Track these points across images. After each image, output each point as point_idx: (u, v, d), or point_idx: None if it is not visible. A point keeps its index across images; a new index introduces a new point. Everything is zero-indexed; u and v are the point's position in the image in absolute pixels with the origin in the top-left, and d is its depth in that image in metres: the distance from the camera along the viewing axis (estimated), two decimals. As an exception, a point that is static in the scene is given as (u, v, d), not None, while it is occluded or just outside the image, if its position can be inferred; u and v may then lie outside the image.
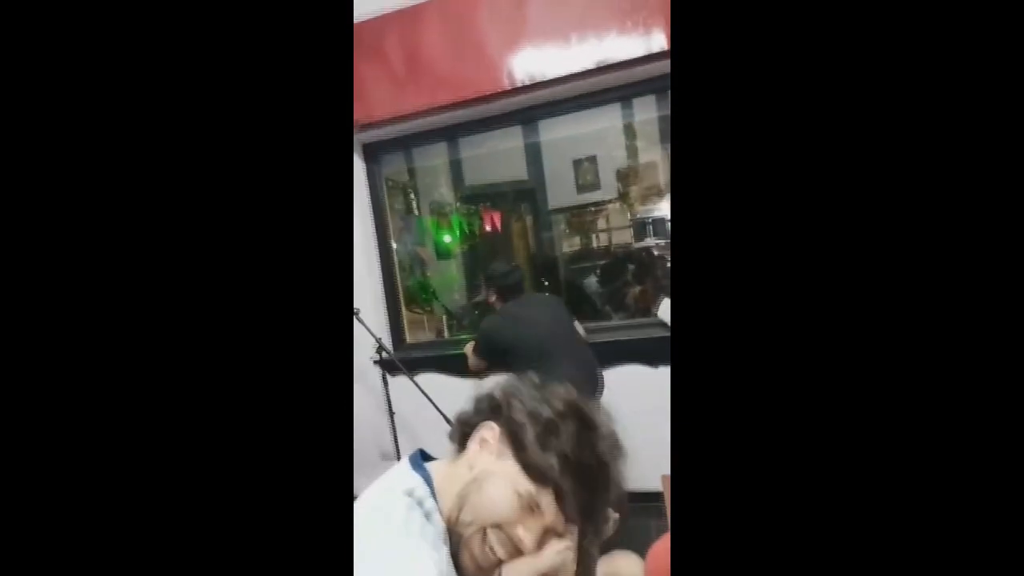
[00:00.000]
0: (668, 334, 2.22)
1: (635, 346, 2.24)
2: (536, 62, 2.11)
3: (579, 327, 2.10)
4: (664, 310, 2.26)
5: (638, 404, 2.22)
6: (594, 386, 1.92)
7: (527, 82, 2.12)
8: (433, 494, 0.64)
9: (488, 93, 2.18)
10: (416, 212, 3.54)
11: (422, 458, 0.72)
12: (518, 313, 1.97)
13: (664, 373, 2.18)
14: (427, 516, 0.62)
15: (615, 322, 2.74)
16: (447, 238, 3.83)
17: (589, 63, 2.04)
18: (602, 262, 3.88)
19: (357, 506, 0.64)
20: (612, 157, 3.87)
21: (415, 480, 0.64)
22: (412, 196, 3.49)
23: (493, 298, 2.12)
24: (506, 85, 2.14)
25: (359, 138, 2.53)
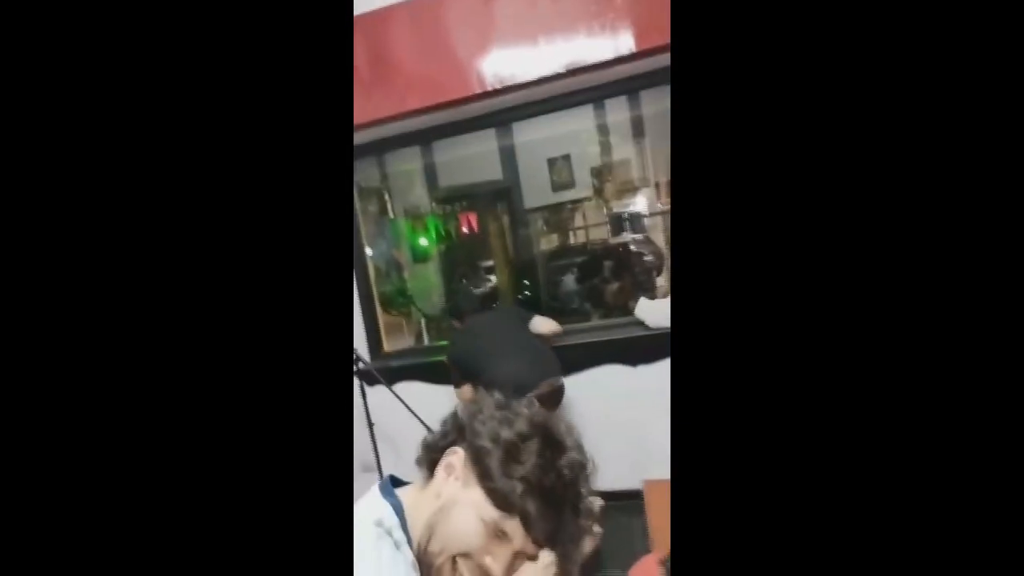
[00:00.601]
0: (647, 333, 2.23)
1: (615, 346, 2.25)
2: (506, 65, 2.09)
3: (541, 322, 2.20)
4: (642, 309, 2.28)
5: (618, 404, 2.25)
6: (543, 371, 2.00)
7: (497, 85, 2.10)
8: (403, 523, 0.64)
9: (459, 97, 2.15)
10: (391, 215, 3.50)
11: (393, 484, 0.71)
12: (473, 328, 2.19)
13: (643, 372, 2.19)
14: (396, 546, 0.62)
15: (594, 323, 2.74)
16: (423, 241, 3.79)
17: (558, 66, 2.04)
18: (580, 259, 3.89)
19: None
20: (586, 154, 3.87)
21: (384, 510, 0.64)
22: (387, 199, 3.44)
23: (456, 323, 2.35)
24: (476, 88, 2.12)
25: (328, 144, 2.48)
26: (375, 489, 0.68)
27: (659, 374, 2.13)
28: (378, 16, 2.18)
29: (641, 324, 2.28)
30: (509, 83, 2.10)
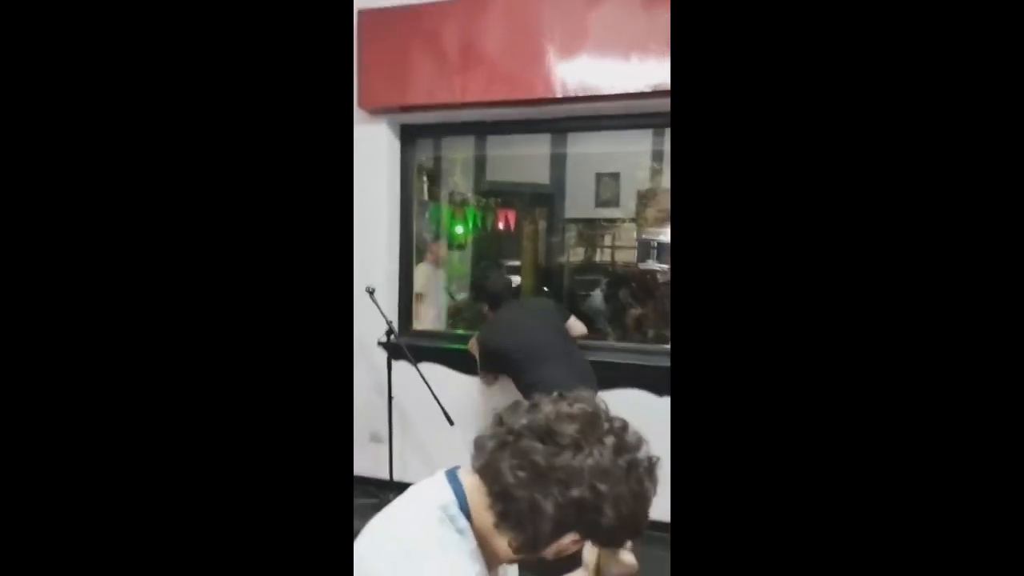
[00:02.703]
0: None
1: (643, 372, 2.25)
2: (593, 75, 2.11)
3: (575, 323, 2.18)
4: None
5: (643, 432, 2.23)
6: (590, 385, 1.96)
7: (580, 93, 2.12)
8: (467, 512, 0.65)
9: (539, 98, 2.17)
10: (435, 199, 3.52)
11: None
12: (506, 319, 2.11)
13: (668, 404, 2.20)
14: (460, 532, 0.64)
15: (626, 344, 2.74)
16: (459, 228, 3.81)
17: (644, 86, 2.05)
18: (607, 278, 3.90)
19: (389, 517, 0.67)
20: (635, 177, 3.89)
21: (448, 495, 0.66)
22: (435, 183, 3.47)
23: (486, 308, 2.26)
24: (558, 93, 2.14)
25: (397, 119, 2.51)
26: (440, 474, 0.70)
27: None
28: (478, 2, 2.20)
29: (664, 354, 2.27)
30: (592, 93, 2.11)
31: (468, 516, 0.65)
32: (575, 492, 0.59)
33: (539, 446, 0.61)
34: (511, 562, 0.68)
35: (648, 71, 2.04)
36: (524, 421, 0.64)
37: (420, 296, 2.81)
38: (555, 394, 0.67)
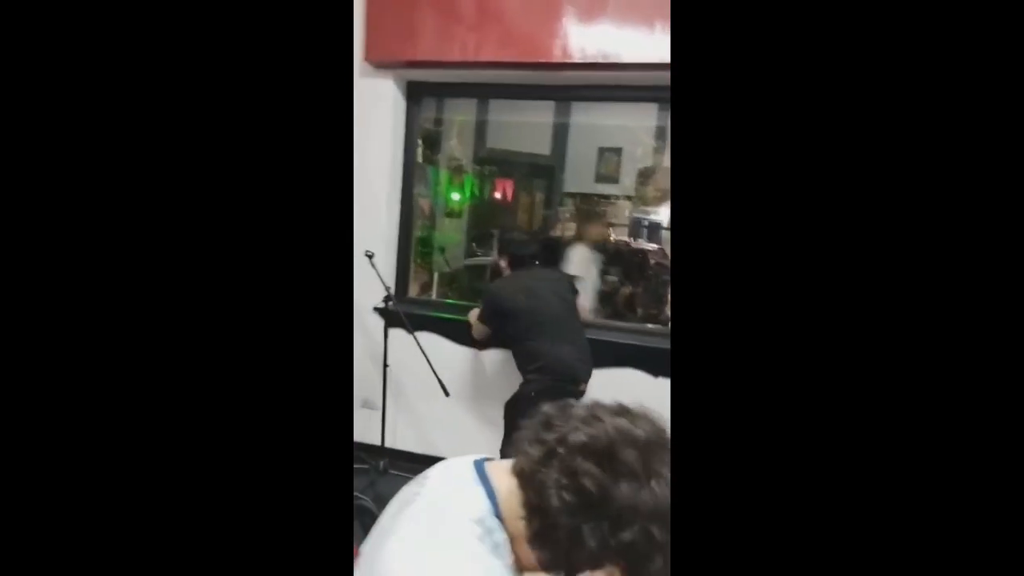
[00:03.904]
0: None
1: (640, 352, 2.24)
2: (614, 42, 2.02)
3: (582, 302, 2.15)
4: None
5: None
6: (587, 370, 1.96)
7: (600, 60, 2.03)
8: (499, 517, 0.59)
9: (556, 62, 2.07)
10: (432, 164, 3.42)
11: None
12: (527, 282, 2.04)
13: (664, 384, 2.19)
14: (496, 547, 0.57)
15: (625, 324, 2.72)
16: (455, 195, 3.72)
17: (656, 55, 1.97)
18: (601, 256, 3.87)
19: (425, 529, 0.58)
20: (636, 153, 3.82)
21: (483, 504, 0.59)
22: (433, 146, 3.36)
23: (504, 263, 2.18)
24: (576, 58, 2.05)
25: (404, 75, 2.39)
26: (469, 469, 0.63)
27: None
28: (498, -43, 2.08)
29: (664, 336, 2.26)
30: (613, 60, 2.02)
31: (501, 521, 0.59)
32: (627, 535, 0.52)
33: (595, 470, 0.53)
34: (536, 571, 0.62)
35: (660, 41, 1.96)
36: (582, 437, 0.55)
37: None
38: (616, 404, 0.60)
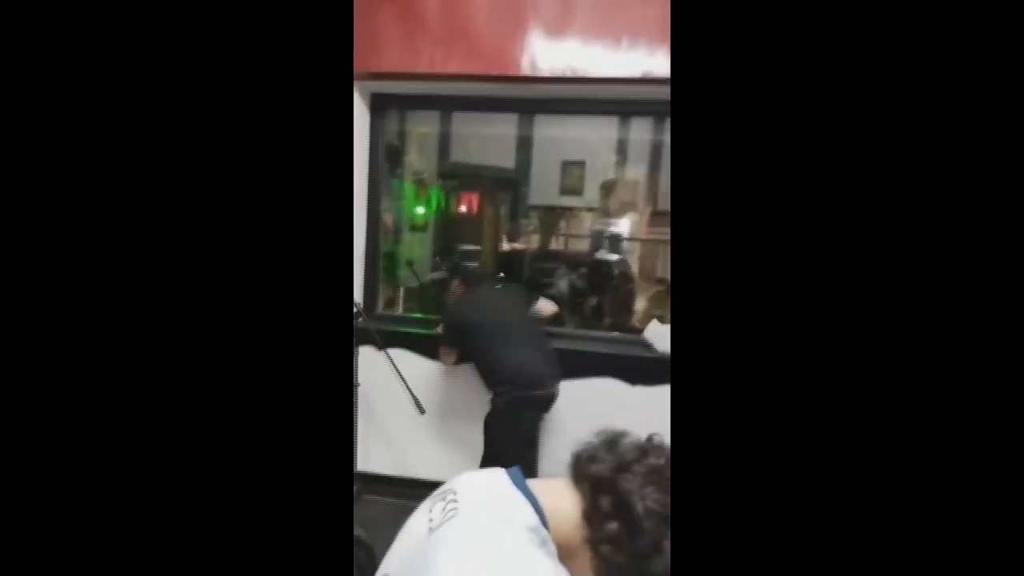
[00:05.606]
0: (650, 355, 2.24)
1: (615, 361, 2.24)
2: (581, 57, 2.04)
3: (545, 304, 2.21)
4: (652, 332, 2.28)
5: (612, 420, 2.23)
6: (551, 374, 1.98)
7: (568, 75, 2.04)
8: (547, 527, 0.58)
9: (523, 75, 2.08)
10: (397, 178, 3.36)
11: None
12: (479, 295, 2.14)
13: (640, 394, 2.20)
14: (551, 556, 0.56)
15: (598, 333, 2.72)
16: (420, 209, 3.67)
17: (636, 71, 2.00)
18: (568, 267, 3.89)
19: (473, 537, 0.56)
20: (598, 166, 3.88)
21: (532, 516, 0.58)
22: (396, 159, 3.30)
23: (457, 283, 2.27)
24: (545, 72, 2.06)
25: (367, 86, 2.34)
26: (508, 484, 0.61)
27: (657, 397, 2.13)
28: (464, -29, 2.08)
29: (648, 346, 2.28)
30: (581, 75, 2.04)
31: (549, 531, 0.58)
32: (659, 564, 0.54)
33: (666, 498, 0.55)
34: None
35: (638, 58, 1.99)
36: (643, 470, 0.58)
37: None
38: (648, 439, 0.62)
